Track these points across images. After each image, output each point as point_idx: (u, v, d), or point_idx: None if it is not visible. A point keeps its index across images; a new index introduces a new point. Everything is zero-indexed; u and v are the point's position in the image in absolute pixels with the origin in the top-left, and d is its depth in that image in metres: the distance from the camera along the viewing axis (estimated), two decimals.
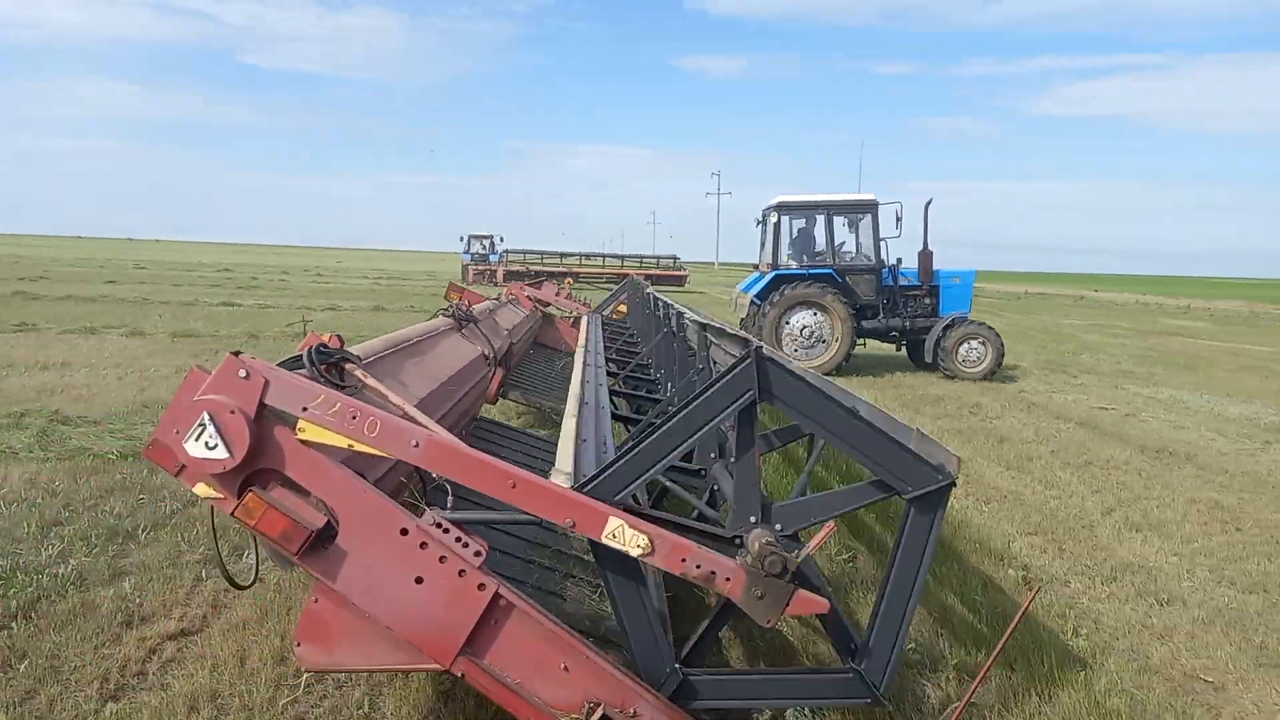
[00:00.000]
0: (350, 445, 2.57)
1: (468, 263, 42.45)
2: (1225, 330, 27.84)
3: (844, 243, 14.45)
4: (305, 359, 2.80)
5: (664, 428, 2.69)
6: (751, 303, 14.22)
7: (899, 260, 14.15)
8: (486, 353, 5.81)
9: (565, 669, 2.57)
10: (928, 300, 14.02)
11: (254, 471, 2.49)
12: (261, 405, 2.50)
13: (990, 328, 13.45)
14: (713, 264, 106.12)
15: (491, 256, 42.62)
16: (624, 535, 2.58)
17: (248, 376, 2.49)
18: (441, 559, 2.52)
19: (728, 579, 2.59)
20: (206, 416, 2.46)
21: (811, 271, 13.87)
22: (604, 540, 2.57)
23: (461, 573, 2.53)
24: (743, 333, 4.97)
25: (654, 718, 2.59)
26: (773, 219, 14.30)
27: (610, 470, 2.67)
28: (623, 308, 12.27)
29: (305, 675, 3.48)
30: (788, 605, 2.59)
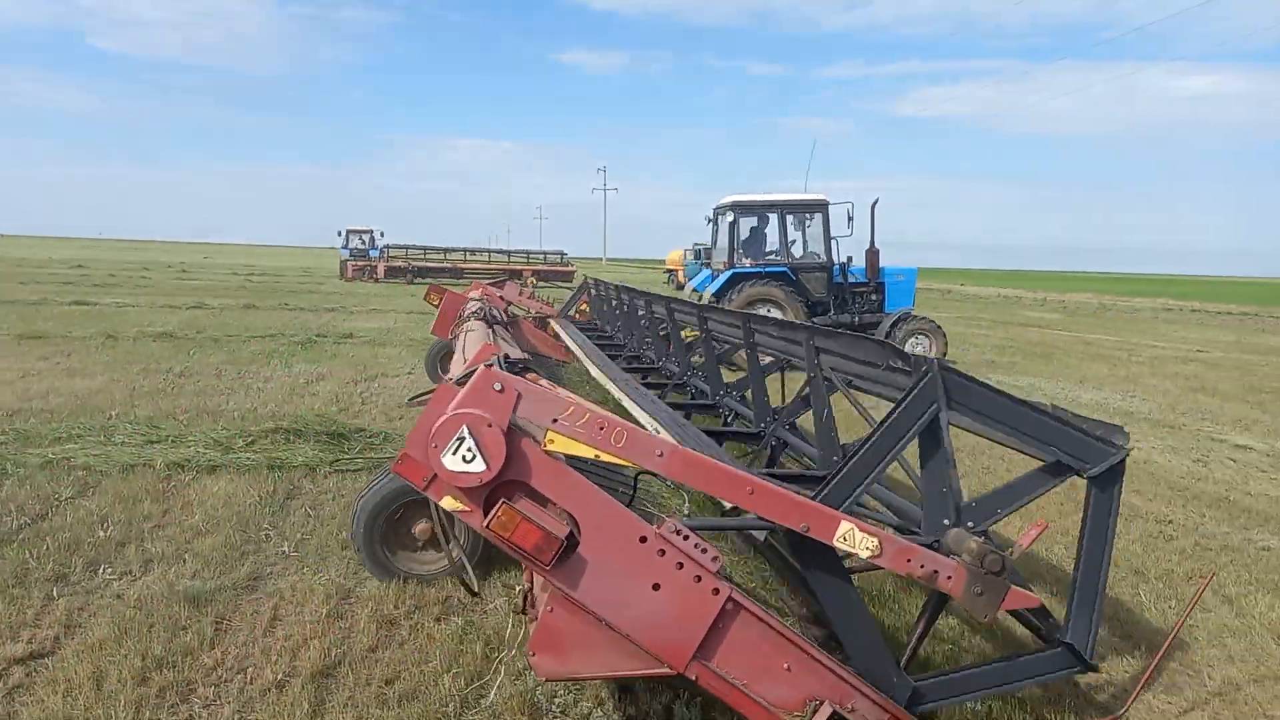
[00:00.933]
0: (597, 455, 2.65)
1: (346, 258, 41.09)
2: (1077, 321, 29.77)
3: (794, 241, 14.90)
4: (499, 369, 2.83)
5: (870, 443, 2.87)
6: (710, 299, 14.51)
7: (849, 258, 14.63)
8: (514, 356, 5.89)
9: (788, 669, 2.66)
10: (874, 296, 14.59)
11: (499, 484, 2.53)
12: (512, 418, 2.57)
13: (935, 323, 14.05)
14: (600, 259, 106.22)
15: (371, 252, 41.40)
16: (854, 538, 2.69)
17: (502, 390, 2.56)
18: (679, 565, 2.59)
19: (949, 577, 2.73)
20: (465, 430, 2.50)
21: (767, 269, 14.30)
22: (835, 543, 2.68)
23: (698, 578, 2.59)
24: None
25: (871, 712, 2.68)
26: (729, 218, 14.64)
27: (834, 482, 2.85)
28: (585, 307, 12.26)
29: (170, 696, 3.29)
30: (1003, 600, 2.73)
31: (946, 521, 2.92)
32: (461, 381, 2.72)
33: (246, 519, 5.26)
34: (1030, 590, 2.83)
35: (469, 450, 2.50)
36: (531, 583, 3.17)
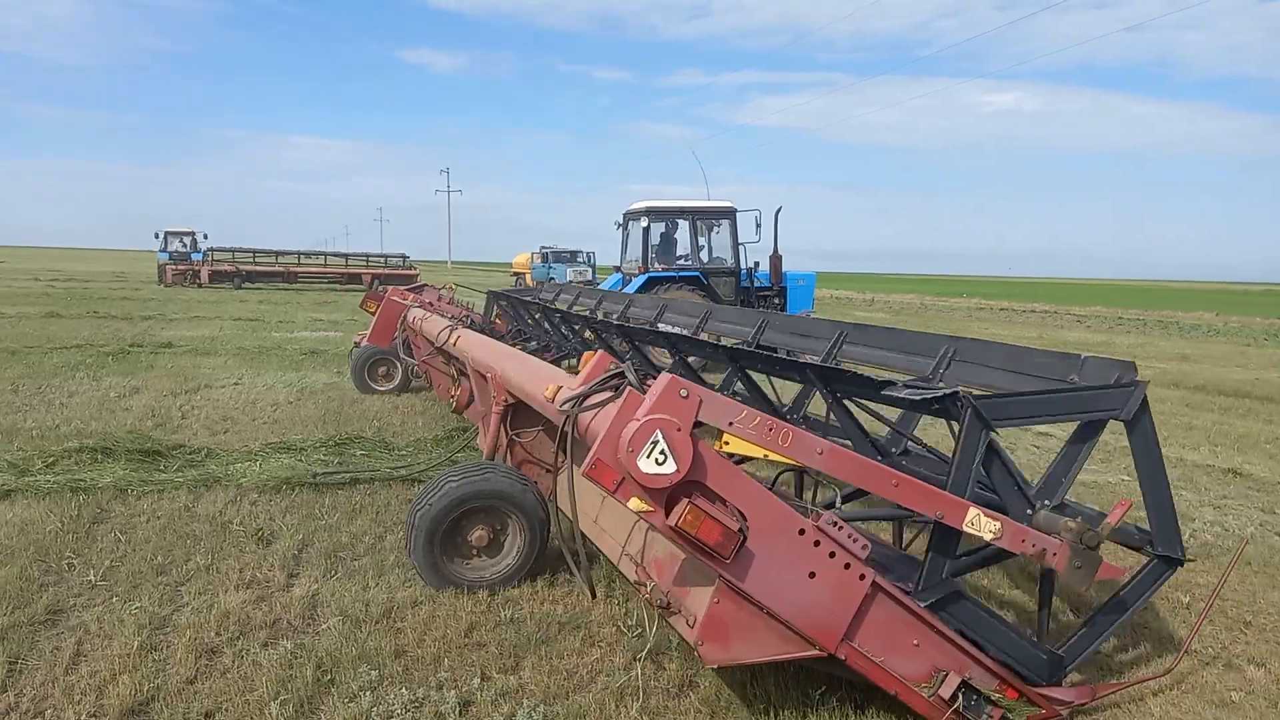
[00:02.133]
0: (765, 455, 2.94)
1: (165, 262, 38.30)
2: (901, 320, 31.63)
3: (702, 246, 15.23)
4: (612, 377, 3.17)
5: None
6: None
7: (756, 264, 15.03)
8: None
9: (916, 644, 3.06)
10: (778, 300, 15.00)
11: (679, 485, 2.73)
12: (694, 422, 2.76)
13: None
14: (445, 262, 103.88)
15: (194, 255, 38.78)
16: (980, 523, 3.06)
17: (687, 396, 2.76)
18: (831, 554, 2.88)
19: (1054, 554, 3.15)
20: (659, 434, 2.69)
21: (681, 274, 14.53)
22: (964, 528, 3.04)
23: (847, 565, 2.90)
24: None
25: (986, 679, 3.12)
26: (643, 223, 14.80)
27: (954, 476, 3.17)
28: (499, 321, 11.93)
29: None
30: (1097, 572, 3.17)
31: (1047, 503, 3.37)
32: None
33: (46, 547, 4.79)
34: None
35: (661, 453, 2.70)
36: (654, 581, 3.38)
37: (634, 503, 2.74)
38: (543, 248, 39.88)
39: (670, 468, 2.70)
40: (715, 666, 3.09)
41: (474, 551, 4.46)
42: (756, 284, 15.12)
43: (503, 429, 5.12)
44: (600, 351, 3.53)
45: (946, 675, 3.04)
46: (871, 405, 4.28)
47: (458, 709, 3.29)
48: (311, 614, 4.11)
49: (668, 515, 2.73)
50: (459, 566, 4.42)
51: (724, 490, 2.80)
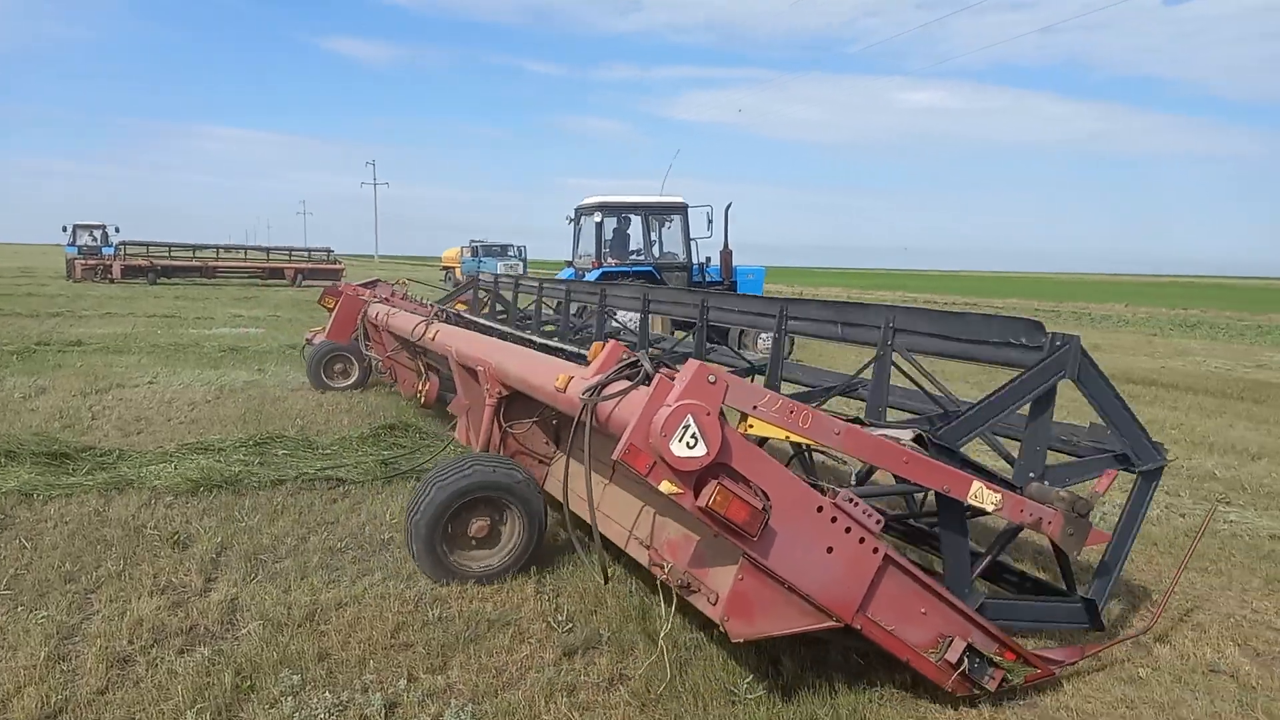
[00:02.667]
0: (787, 436, 3.05)
1: (74, 256, 36.67)
2: None
3: (655, 241, 15.32)
4: (627, 366, 3.39)
5: (997, 396, 3.52)
6: None
7: (708, 259, 15.16)
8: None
9: (924, 612, 3.24)
10: None
11: (707, 467, 2.83)
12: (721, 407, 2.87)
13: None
14: (373, 256, 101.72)
15: (105, 249, 37.21)
16: (983, 495, 3.27)
17: (715, 382, 2.87)
18: (847, 529, 3.04)
19: (1050, 522, 3.42)
20: (690, 419, 2.79)
21: (634, 269, 14.62)
22: (969, 500, 3.26)
23: (862, 540, 3.06)
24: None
25: (987, 643, 3.33)
26: (596, 218, 14.78)
27: (952, 426, 3.49)
28: (461, 306, 11.73)
29: None
30: (1087, 539, 3.47)
31: (1032, 475, 3.60)
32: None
33: None
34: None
35: (693, 437, 2.79)
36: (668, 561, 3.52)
37: (665, 485, 2.85)
38: (473, 242, 39.39)
39: (701, 450, 2.81)
40: (740, 640, 3.19)
41: (473, 543, 4.48)
42: (708, 278, 15.32)
43: (496, 422, 5.10)
44: (612, 341, 3.68)
45: (952, 640, 3.24)
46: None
47: (383, 711, 3.23)
48: (230, 619, 3.99)
49: (697, 496, 2.85)
50: (460, 558, 4.44)
51: (748, 471, 2.91)
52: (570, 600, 4.27)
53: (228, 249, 39.86)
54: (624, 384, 3.33)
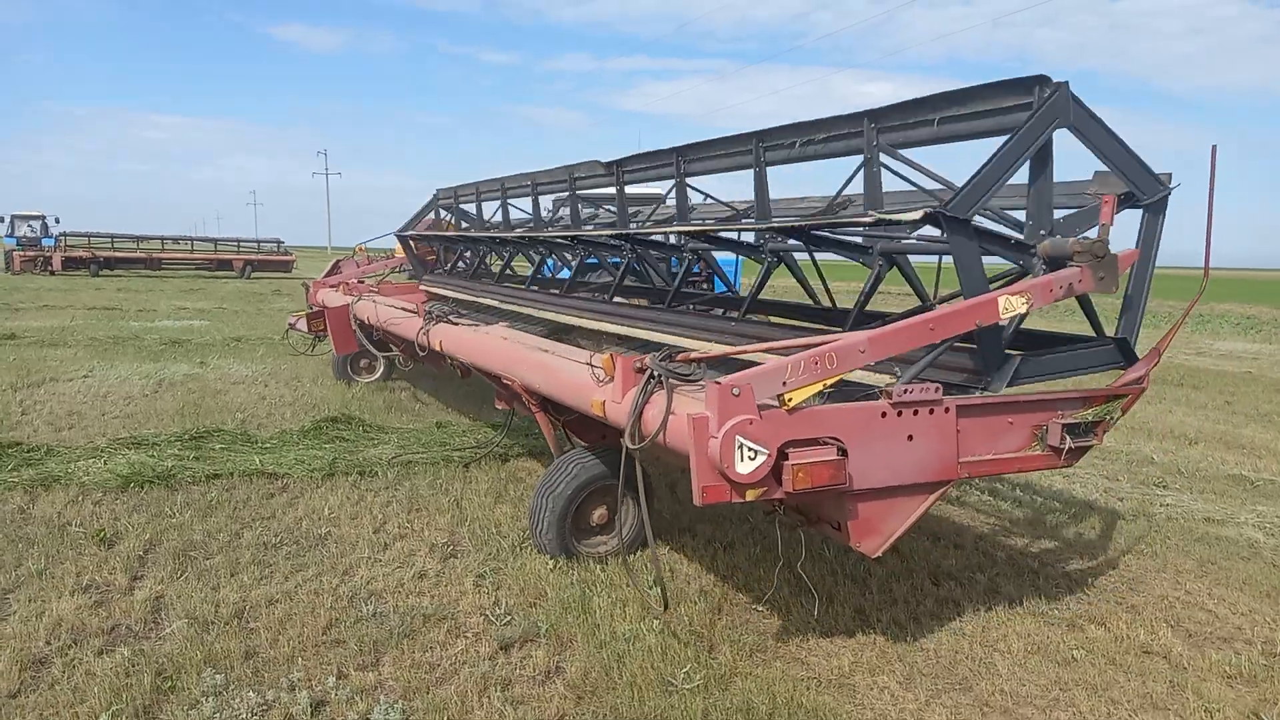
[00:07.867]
0: (824, 386, 3.08)
1: (12, 248, 35.51)
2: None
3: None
4: (656, 365, 3.48)
5: (996, 158, 3.39)
6: None
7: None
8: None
9: (1010, 423, 3.47)
10: (705, 285, 15.15)
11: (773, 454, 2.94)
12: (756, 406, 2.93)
13: None
14: (325, 248, 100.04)
15: (45, 240, 36.08)
16: (1013, 304, 3.33)
17: (739, 393, 2.90)
18: (915, 412, 3.19)
19: (1080, 281, 3.43)
20: (739, 438, 2.88)
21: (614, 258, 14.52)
22: (1001, 319, 3.34)
23: (931, 410, 3.22)
24: None
25: (1070, 407, 3.61)
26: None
27: (960, 196, 3.36)
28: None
29: None
30: (1120, 267, 3.53)
31: (1043, 232, 3.58)
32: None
33: None
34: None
35: (749, 451, 2.89)
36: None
37: (750, 493, 2.96)
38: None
39: (763, 455, 2.92)
40: (879, 554, 3.35)
41: (594, 529, 4.65)
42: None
43: (551, 424, 5.05)
44: (618, 355, 3.72)
45: (1046, 428, 3.47)
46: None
47: (309, 710, 3.14)
48: (154, 618, 3.85)
49: (780, 485, 2.98)
50: (583, 542, 4.62)
51: (809, 432, 3.03)
52: (509, 593, 4.20)
53: (173, 240, 38.91)
54: (659, 396, 3.42)
